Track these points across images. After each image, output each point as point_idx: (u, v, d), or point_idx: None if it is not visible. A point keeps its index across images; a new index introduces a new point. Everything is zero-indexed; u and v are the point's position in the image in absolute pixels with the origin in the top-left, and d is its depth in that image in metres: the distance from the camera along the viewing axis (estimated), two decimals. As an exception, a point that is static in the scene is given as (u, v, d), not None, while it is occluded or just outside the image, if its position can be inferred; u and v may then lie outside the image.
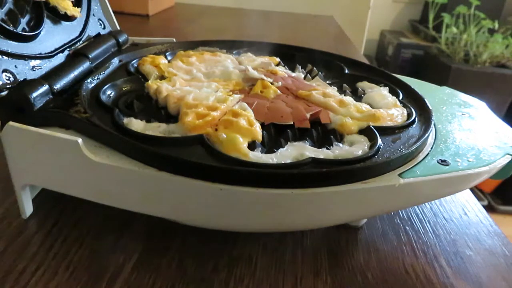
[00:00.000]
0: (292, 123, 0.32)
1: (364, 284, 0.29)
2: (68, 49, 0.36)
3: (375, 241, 0.33)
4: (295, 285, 0.29)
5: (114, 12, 0.45)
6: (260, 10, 1.34)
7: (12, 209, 0.33)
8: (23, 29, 0.33)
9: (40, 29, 0.34)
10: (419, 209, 0.38)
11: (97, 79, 0.36)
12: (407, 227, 0.35)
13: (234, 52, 0.48)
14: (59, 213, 0.33)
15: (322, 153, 0.29)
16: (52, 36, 0.35)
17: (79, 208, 0.33)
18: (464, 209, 0.39)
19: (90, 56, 0.37)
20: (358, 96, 0.40)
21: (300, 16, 1.28)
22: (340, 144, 0.31)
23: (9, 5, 0.32)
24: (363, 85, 0.41)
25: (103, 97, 0.33)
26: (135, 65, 0.41)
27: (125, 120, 0.31)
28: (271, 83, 0.38)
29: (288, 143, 0.30)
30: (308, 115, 0.32)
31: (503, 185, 1.63)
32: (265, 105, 0.34)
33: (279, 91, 0.37)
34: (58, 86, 0.32)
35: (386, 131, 0.33)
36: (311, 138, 0.31)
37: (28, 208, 0.32)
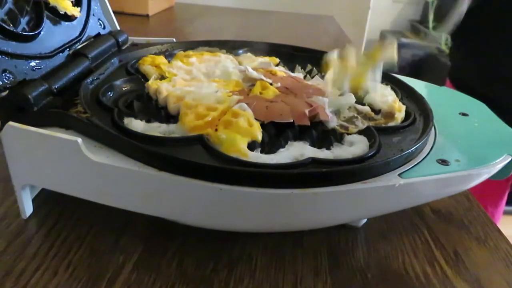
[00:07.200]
0: (291, 120, 0.32)
1: (364, 284, 0.29)
2: (68, 49, 0.36)
3: (375, 241, 0.33)
4: (295, 285, 0.29)
5: (114, 12, 0.45)
6: (260, 10, 1.34)
7: (12, 209, 0.33)
8: (23, 29, 0.33)
9: (40, 29, 0.34)
10: (419, 209, 0.38)
11: (97, 79, 0.36)
12: (407, 227, 0.35)
13: (234, 52, 0.48)
14: (59, 213, 0.33)
15: (322, 153, 0.29)
16: (52, 36, 0.35)
17: (79, 208, 0.33)
18: (465, 208, 0.39)
19: (90, 56, 0.37)
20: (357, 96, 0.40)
21: (300, 16, 1.28)
22: (340, 144, 0.31)
23: (9, 5, 0.32)
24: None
25: (103, 97, 0.33)
26: (135, 65, 0.41)
27: (125, 120, 0.31)
28: (271, 84, 0.38)
29: (288, 143, 0.30)
30: (307, 112, 0.32)
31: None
32: (264, 104, 0.34)
33: (278, 92, 0.37)
34: (58, 86, 0.32)
35: (386, 131, 0.33)
36: (310, 138, 0.31)
37: (28, 208, 0.32)
